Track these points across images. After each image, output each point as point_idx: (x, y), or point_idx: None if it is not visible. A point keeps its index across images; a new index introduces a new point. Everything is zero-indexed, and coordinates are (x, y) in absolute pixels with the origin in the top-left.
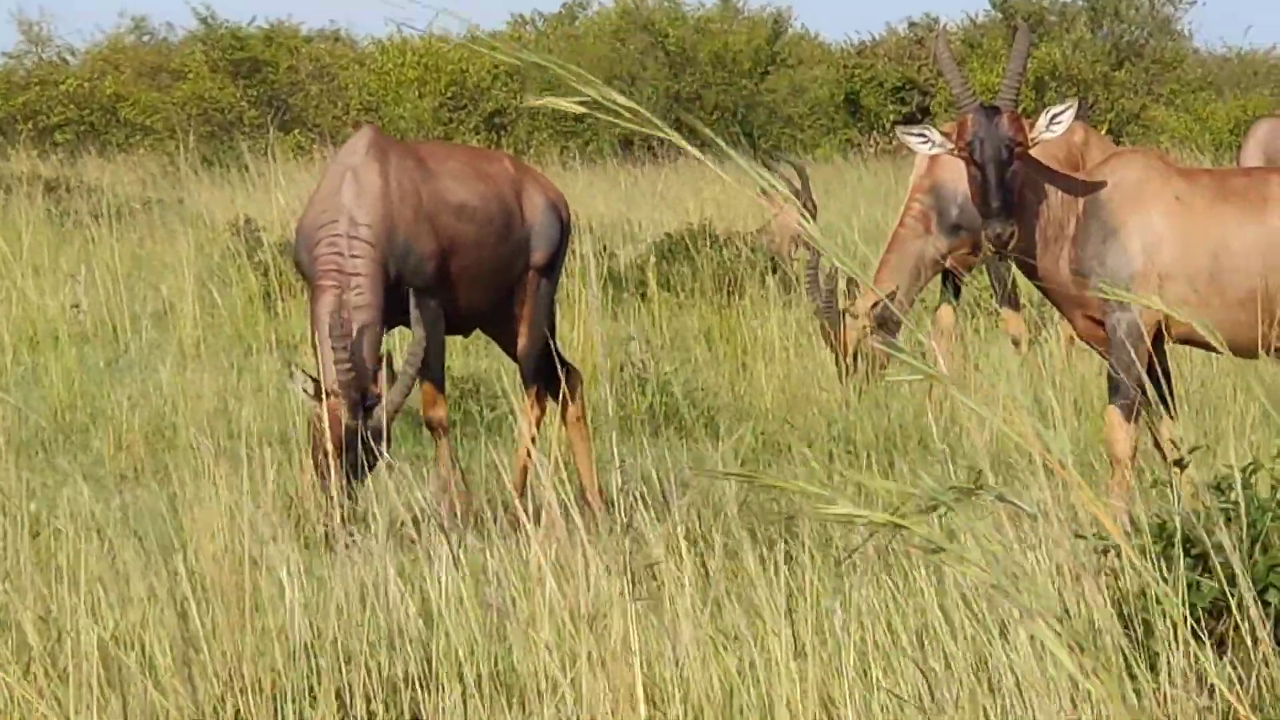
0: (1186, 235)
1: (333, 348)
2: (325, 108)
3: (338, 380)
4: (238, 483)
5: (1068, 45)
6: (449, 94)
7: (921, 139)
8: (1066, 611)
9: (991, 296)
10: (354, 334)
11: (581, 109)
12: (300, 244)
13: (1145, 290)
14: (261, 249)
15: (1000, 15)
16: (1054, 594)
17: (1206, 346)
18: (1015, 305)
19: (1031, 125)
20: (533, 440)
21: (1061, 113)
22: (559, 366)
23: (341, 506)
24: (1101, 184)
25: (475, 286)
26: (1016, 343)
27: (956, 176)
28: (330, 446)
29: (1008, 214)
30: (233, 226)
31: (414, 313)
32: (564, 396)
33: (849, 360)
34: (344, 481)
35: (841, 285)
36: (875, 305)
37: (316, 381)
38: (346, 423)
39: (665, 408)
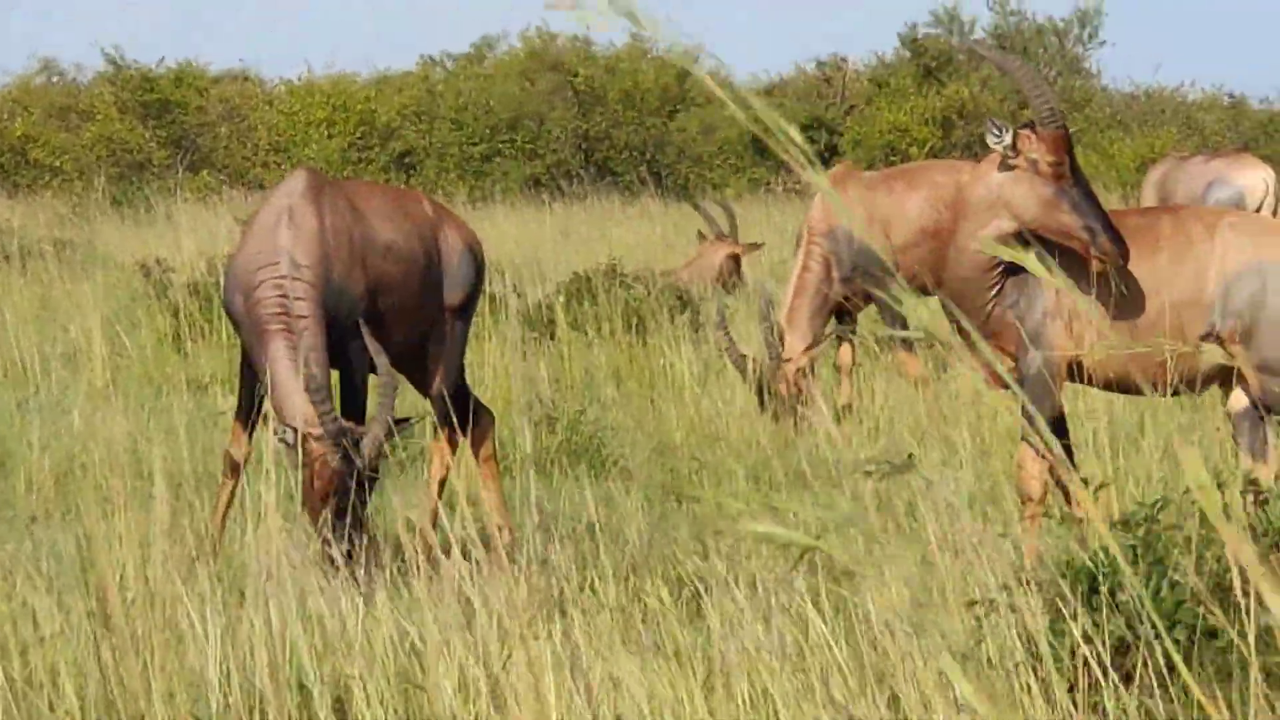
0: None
1: (313, 402)
2: (234, 148)
3: (324, 432)
4: (148, 522)
5: (976, 83)
6: (358, 134)
7: (998, 134)
8: (978, 643)
9: (890, 338)
10: (326, 382)
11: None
12: (233, 287)
13: (1056, 326)
14: (171, 290)
15: (909, 54)
16: (960, 627)
17: (1116, 388)
18: (911, 347)
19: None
20: (443, 480)
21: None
22: (470, 406)
23: (341, 550)
24: None
25: (397, 326)
26: (917, 385)
27: (849, 223)
28: (317, 493)
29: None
30: (142, 267)
31: (372, 344)
32: (475, 436)
33: (786, 404)
34: (340, 524)
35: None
36: (808, 349)
37: (297, 431)
38: (336, 468)
39: (575, 446)
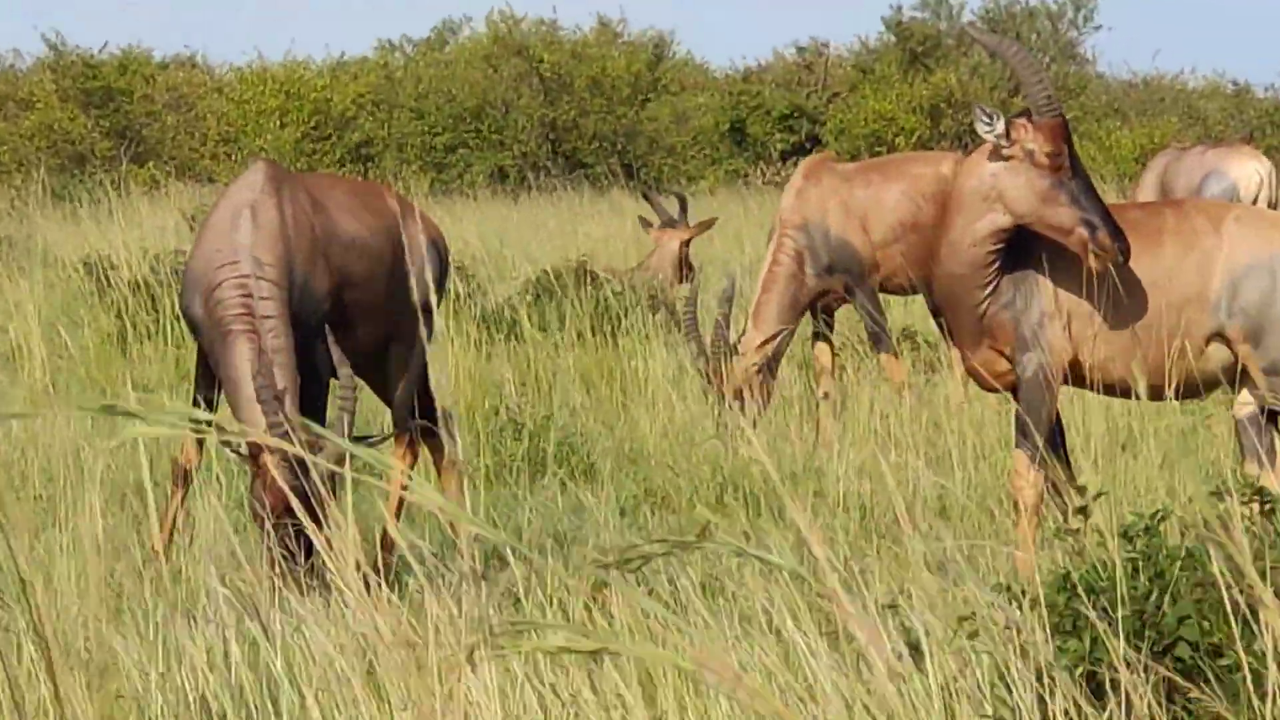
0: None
1: (264, 412)
2: (182, 139)
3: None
4: (92, 533)
5: (965, 70)
6: (312, 124)
7: (988, 122)
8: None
9: (870, 338)
10: (281, 391)
11: None
12: (191, 289)
13: (1055, 327)
14: (114, 288)
15: (894, 39)
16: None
17: (1116, 391)
18: (892, 349)
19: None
20: (404, 489)
21: None
22: (432, 411)
23: (292, 568)
24: None
25: (362, 326)
26: (901, 391)
27: (824, 213)
28: (270, 507)
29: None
30: (84, 264)
31: (336, 353)
32: (437, 443)
33: (735, 400)
34: (293, 542)
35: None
36: (763, 345)
37: (251, 443)
38: (288, 482)
39: (542, 454)
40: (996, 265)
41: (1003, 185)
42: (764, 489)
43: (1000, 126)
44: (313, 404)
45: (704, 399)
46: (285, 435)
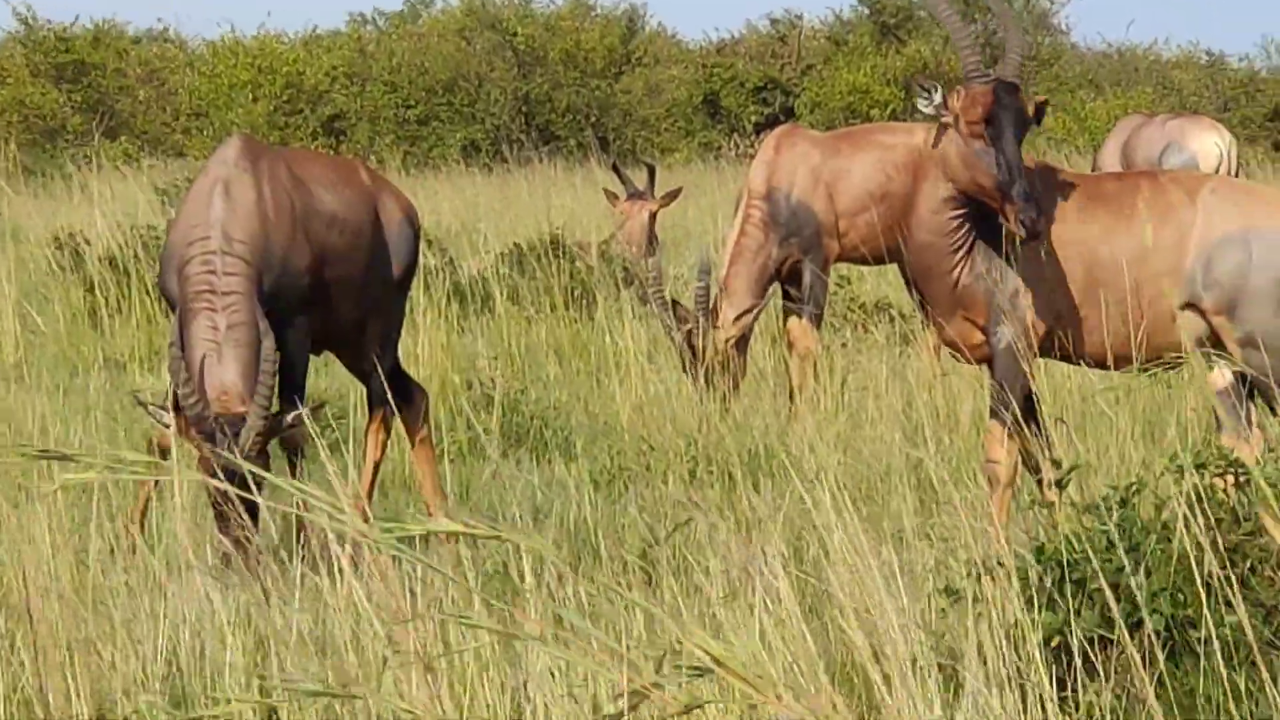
0: (1060, 242)
1: (176, 383)
2: (154, 113)
3: (188, 414)
4: (66, 511)
5: (938, 41)
6: (284, 97)
7: (926, 96)
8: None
9: (800, 305)
10: (195, 363)
11: None
12: (167, 265)
13: (1029, 299)
14: (86, 263)
15: (867, 11)
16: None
17: (1091, 363)
18: (813, 320)
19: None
20: (377, 464)
21: None
22: (405, 386)
23: (237, 540)
24: None
25: (342, 302)
26: (803, 359)
27: (790, 183)
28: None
29: (1032, 196)
30: (55, 240)
31: (262, 324)
32: (410, 417)
33: (707, 374)
34: (227, 514)
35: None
36: (739, 318)
37: (178, 412)
38: (208, 455)
39: (516, 428)
40: (964, 232)
41: (942, 152)
42: (738, 462)
43: (938, 97)
44: (291, 379)
45: (678, 372)
46: (200, 409)
